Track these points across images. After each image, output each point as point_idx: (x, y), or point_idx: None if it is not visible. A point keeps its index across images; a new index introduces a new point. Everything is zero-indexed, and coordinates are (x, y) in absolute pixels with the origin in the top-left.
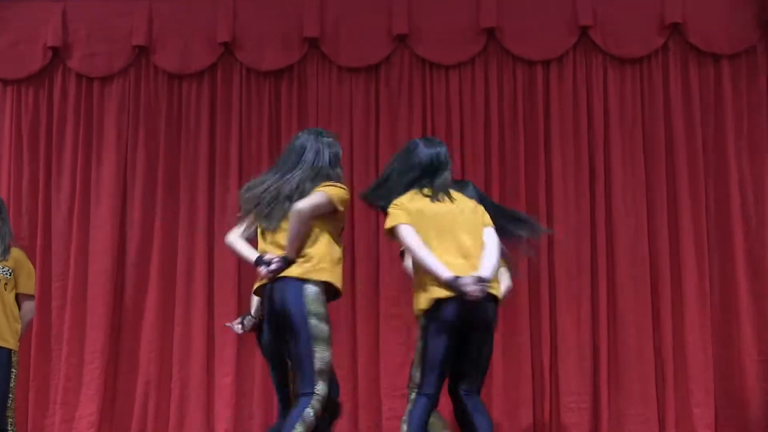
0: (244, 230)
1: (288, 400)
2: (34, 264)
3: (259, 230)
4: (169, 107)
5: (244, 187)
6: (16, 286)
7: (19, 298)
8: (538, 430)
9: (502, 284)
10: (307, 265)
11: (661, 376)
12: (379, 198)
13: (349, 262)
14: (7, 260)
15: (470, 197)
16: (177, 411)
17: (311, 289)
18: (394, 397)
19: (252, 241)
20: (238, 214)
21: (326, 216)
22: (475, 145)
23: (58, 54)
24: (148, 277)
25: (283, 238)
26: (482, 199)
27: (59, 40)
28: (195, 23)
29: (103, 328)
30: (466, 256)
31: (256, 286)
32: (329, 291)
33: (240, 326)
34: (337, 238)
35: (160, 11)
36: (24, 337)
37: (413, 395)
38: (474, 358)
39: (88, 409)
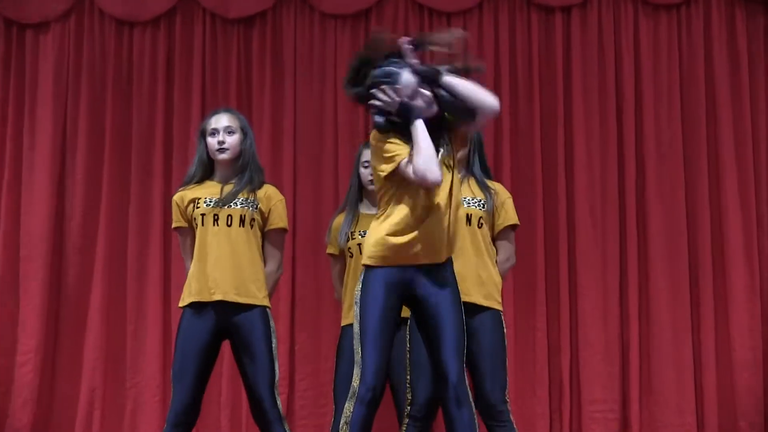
0: None
1: None
2: None
3: None
4: (117, 61)
5: None
6: None
7: None
8: None
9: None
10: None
11: (700, 383)
12: None
13: None
14: None
15: None
16: (130, 423)
17: None
18: None
19: None
20: None
21: None
22: None
23: None
24: (92, 265)
25: None
26: None
27: None
28: None
29: (37, 325)
30: None
31: None
32: None
33: None
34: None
35: None
36: None
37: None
38: None
39: (18, 421)
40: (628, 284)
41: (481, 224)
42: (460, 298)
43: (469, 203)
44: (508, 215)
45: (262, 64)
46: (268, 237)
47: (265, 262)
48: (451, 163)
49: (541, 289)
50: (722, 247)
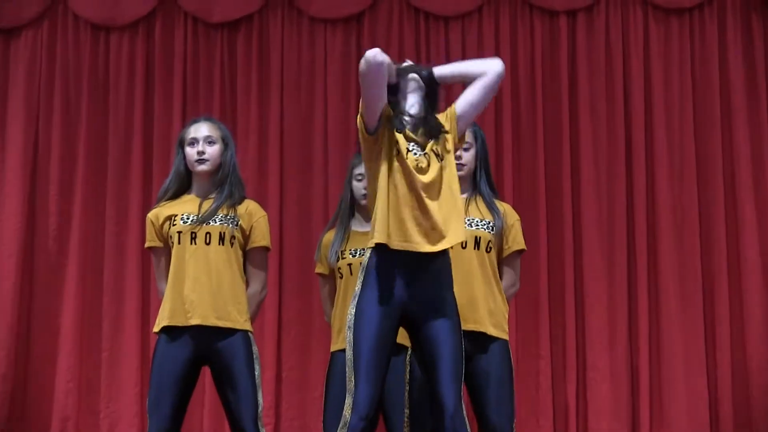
0: None
1: None
2: None
3: None
4: (93, 68)
5: None
6: None
7: None
8: None
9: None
10: None
11: (715, 411)
12: None
13: None
14: None
15: None
16: None
17: None
18: None
19: None
20: None
21: None
22: (482, 115)
23: None
24: (64, 285)
25: None
26: None
27: None
28: None
29: (5, 350)
30: None
31: None
32: None
33: None
34: None
35: None
36: None
37: None
38: None
39: None
40: (637, 306)
41: (490, 248)
42: (459, 323)
43: (477, 225)
44: (516, 240)
45: (247, 70)
46: (250, 256)
47: (247, 282)
48: (438, 150)
49: (545, 313)
50: (738, 265)
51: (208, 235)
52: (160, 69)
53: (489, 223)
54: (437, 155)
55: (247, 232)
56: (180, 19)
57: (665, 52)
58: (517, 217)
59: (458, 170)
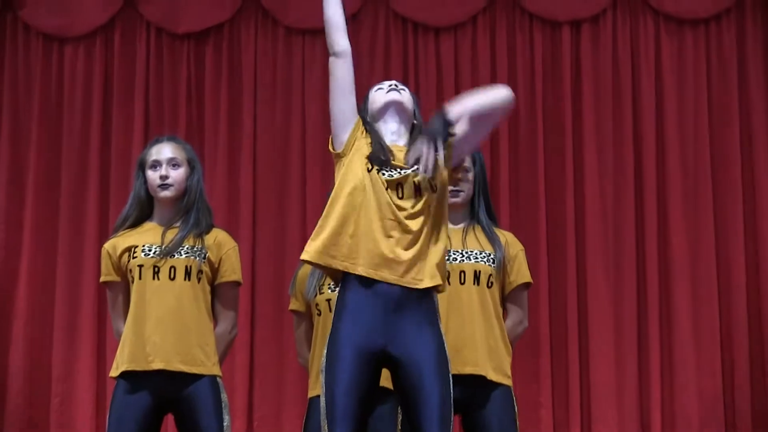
0: None
1: None
2: None
3: None
4: (44, 82)
5: None
6: None
7: None
8: None
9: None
10: None
11: None
12: None
13: None
14: None
15: None
16: None
17: None
18: None
19: None
20: None
21: None
22: None
23: None
24: (11, 323)
25: None
26: None
27: None
28: None
29: None
30: None
31: None
32: None
33: None
34: None
35: None
36: None
37: None
38: None
39: None
40: (648, 352)
41: (491, 283)
42: (446, 360)
43: (477, 257)
44: (521, 272)
45: (217, 86)
46: (219, 292)
47: (215, 321)
48: (433, 183)
49: (546, 357)
50: (758, 289)
51: (172, 269)
52: (119, 84)
53: (489, 255)
54: (417, 187)
55: (216, 265)
56: (142, 29)
57: (678, 66)
58: (520, 246)
59: (455, 197)
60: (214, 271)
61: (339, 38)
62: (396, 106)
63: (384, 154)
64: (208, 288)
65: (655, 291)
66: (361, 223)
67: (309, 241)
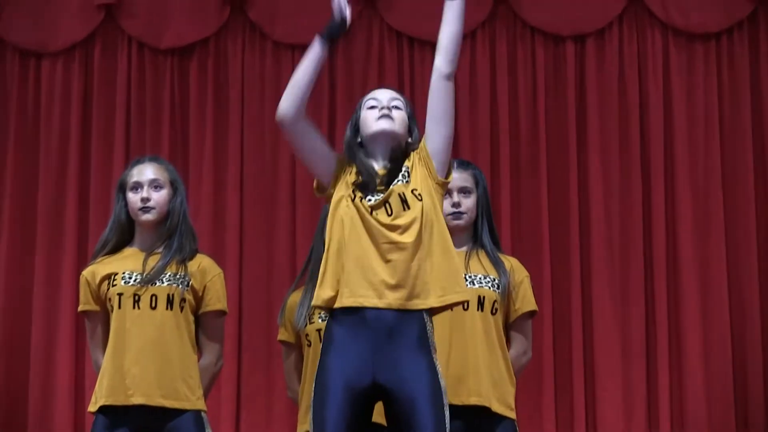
0: None
1: None
2: None
3: None
4: (21, 100)
5: None
6: None
7: None
8: None
9: None
10: None
11: None
12: None
13: None
14: None
15: None
16: None
17: None
18: None
19: None
20: None
21: None
22: (476, 151)
23: None
24: None
25: None
26: None
27: None
28: None
29: None
30: None
31: None
32: None
33: None
34: None
35: None
36: None
37: None
38: None
39: None
40: (657, 385)
41: (495, 310)
42: (440, 392)
43: (481, 282)
44: (526, 299)
45: (202, 102)
46: (203, 322)
47: (200, 353)
48: (416, 194)
49: (550, 388)
50: None
51: (153, 298)
52: (99, 101)
53: (494, 280)
54: (403, 200)
55: (200, 294)
56: (123, 44)
57: (688, 83)
58: (526, 273)
59: (457, 219)
60: (198, 299)
61: (289, 106)
62: (385, 138)
63: (371, 180)
64: (191, 317)
65: (664, 320)
66: (356, 256)
67: (317, 289)
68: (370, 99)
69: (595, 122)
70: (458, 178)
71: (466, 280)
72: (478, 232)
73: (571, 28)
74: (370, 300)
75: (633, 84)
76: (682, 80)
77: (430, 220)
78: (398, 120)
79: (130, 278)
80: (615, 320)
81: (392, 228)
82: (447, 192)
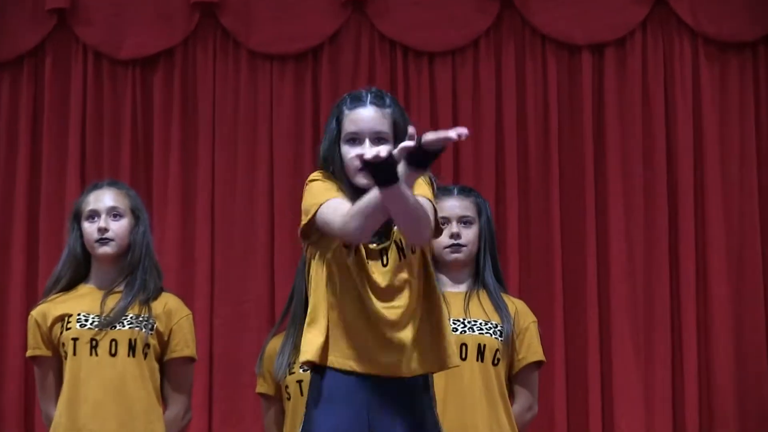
0: None
1: None
2: None
3: None
4: None
5: None
6: None
7: None
8: None
9: None
10: None
11: None
12: None
13: None
14: None
15: None
16: None
17: None
18: None
19: None
20: None
21: None
22: (479, 175)
23: None
24: None
25: None
26: None
27: None
28: None
29: None
30: None
31: None
32: None
33: None
34: None
35: None
36: None
37: None
38: None
39: None
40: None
41: (497, 360)
42: None
43: (481, 328)
44: (532, 348)
45: (167, 120)
46: (170, 369)
47: (165, 404)
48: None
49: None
50: None
51: (113, 343)
52: (51, 118)
53: (496, 326)
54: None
55: (165, 338)
56: (78, 54)
57: (721, 98)
58: (533, 318)
59: (456, 252)
60: (164, 344)
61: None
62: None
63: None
64: (156, 365)
65: (693, 376)
66: (346, 312)
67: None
68: (350, 124)
69: (616, 143)
70: (458, 206)
71: (465, 325)
72: (479, 269)
73: (587, 36)
74: (366, 366)
75: (658, 99)
76: (713, 95)
77: (424, 275)
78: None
79: (86, 321)
80: (638, 371)
81: (387, 290)
82: (445, 220)
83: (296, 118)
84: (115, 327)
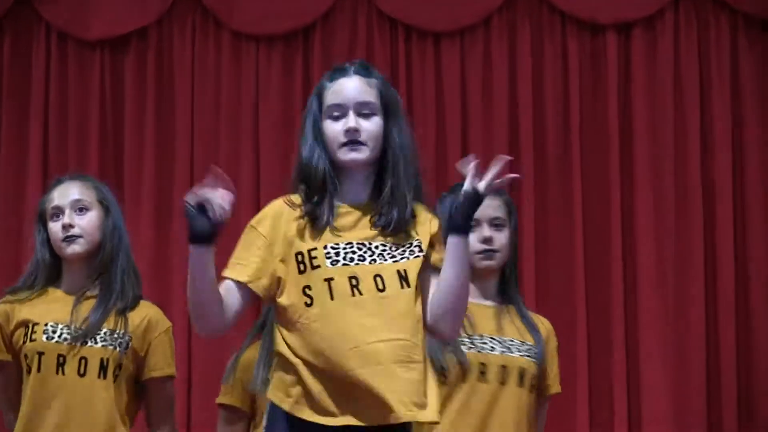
0: None
1: None
2: None
3: None
4: None
5: None
6: None
7: None
8: None
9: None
10: None
11: None
12: None
13: None
14: None
15: None
16: None
17: None
18: None
19: None
20: None
21: None
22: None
23: None
24: None
25: None
26: None
27: None
28: None
29: None
30: None
31: None
32: None
33: None
34: None
35: None
36: None
37: None
38: None
39: None
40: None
41: (533, 387)
42: None
43: (520, 350)
44: (558, 377)
45: (140, 106)
46: (150, 391)
47: (151, 427)
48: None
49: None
50: None
51: (83, 362)
52: (8, 106)
53: (531, 348)
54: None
55: (142, 354)
56: (41, 34)
57: (763, 85)
58: (556, 341)
59: (489, 259)
60: (140, 362)
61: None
62: (354, 169)
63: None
64: (125, 387)
65: (732, 406)
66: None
67: None
68: (332, 96)
69: (644, 136)
70: (489, 205)
71: (503, 345)
72: (506, 283)
73: (612, 15)
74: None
75: (692, 85)
76: (755, 80)
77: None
78: (370, 137)
79: (54, 333)
80: (668, 398)
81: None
82: (475, 223)
83: (285, 107)
84: (87, 343)
